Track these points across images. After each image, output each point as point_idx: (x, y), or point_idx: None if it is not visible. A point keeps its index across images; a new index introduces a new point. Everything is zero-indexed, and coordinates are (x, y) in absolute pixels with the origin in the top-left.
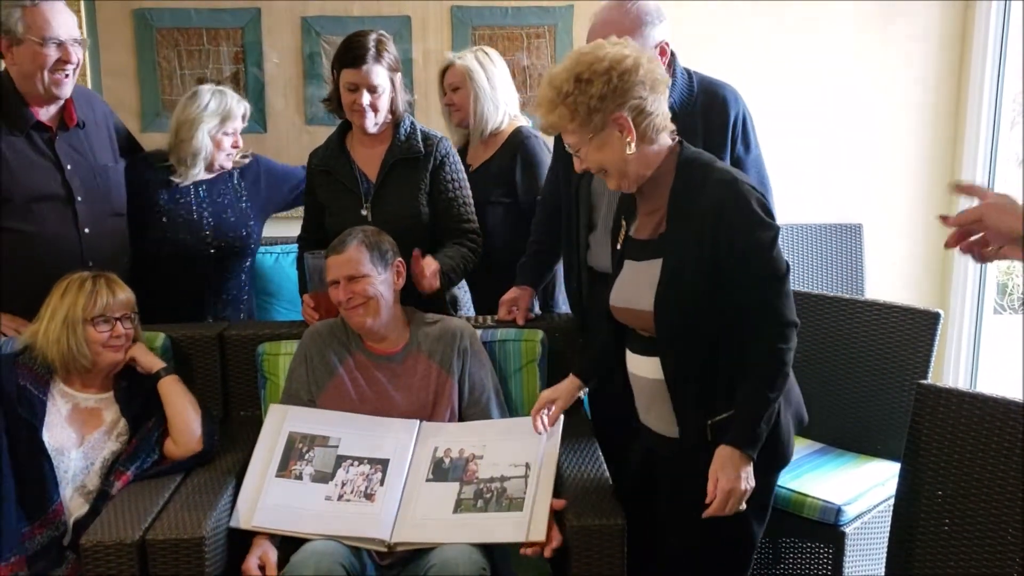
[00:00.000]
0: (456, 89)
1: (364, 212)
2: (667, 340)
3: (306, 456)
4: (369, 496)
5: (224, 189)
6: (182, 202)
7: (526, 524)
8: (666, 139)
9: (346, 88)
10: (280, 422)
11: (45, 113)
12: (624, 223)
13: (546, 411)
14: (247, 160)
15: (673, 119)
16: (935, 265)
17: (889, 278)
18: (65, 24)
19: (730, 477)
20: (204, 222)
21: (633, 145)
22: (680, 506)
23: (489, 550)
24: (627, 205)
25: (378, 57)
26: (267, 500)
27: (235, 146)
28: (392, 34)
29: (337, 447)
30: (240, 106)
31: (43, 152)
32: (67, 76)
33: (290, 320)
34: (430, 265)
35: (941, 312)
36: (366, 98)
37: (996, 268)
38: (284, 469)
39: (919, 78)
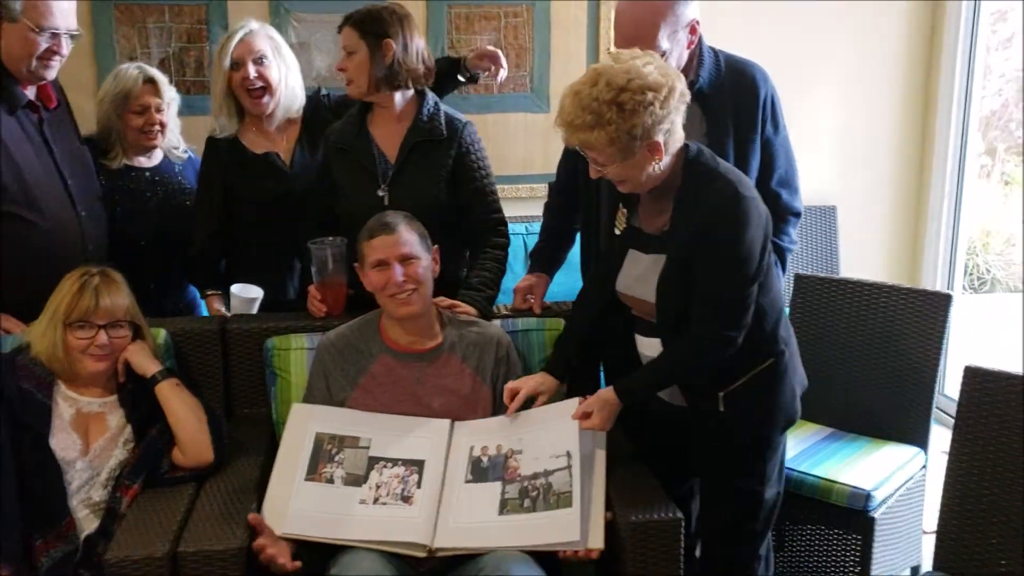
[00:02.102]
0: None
1: (381, 194)
2: (668, 327)
3: (336, 458)
4: (406, 499)
5: (170, 177)
6: (131, 190)
7: (580, 526)
8: (678, 145)
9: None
10: (305, 423)
11: (29, 92)
12: (624, 210)
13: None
14: (185, 155)
15: (703, 99)
16: (907, 246)
17: (863, 259)
18: (64, 14)
19: (603, 418)
20: (150, 208)
21: (660, 165)
22: (705, 468)
23: (541, 558)
24: (626, 194)
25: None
26: (297, 505)
27: (151, 124)
28: None
29: (368, 448)
30: (139, 83)
31: (31, 134)
32: (54, 63)
33: (294, 312)
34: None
35: (952, 294)
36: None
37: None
38: (314, 472)
39: (891, 65)
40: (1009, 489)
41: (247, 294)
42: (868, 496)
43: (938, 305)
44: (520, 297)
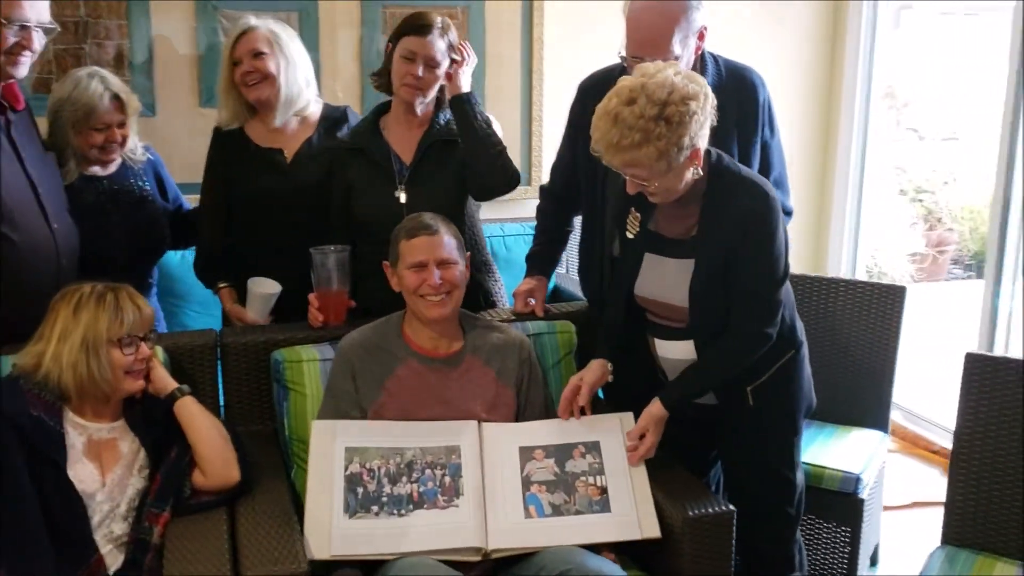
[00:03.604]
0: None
1: (398, 194)
2: (702, 329)
3: (371, 470)
4: (451, 504)
5: (130, 184)
6: (90, 205)
7: (635, 521)
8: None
9: (402, 57)
10: (331, 439)
11: None
12: (636, 214)
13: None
14: (145, 157)
15: None
16: (812, 236)
17: None
18: (35, 5)
19: (658, 433)
20: (111, 222)
21: (698, 170)
22: (739, 461)
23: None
24: (638, 196)
25: (443, 32)
26: (340, 524)
27: (111, 140)
28: (298, 12)
29: (401, 457)
30: (104, 101)
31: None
32: (24, 59)
33: (296, 323)
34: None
35: (906, 286)
36: (421, 70)
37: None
38: (351, 489)
39: (796, 61)
40: (1012, 467)
41: (264, 289)
42: (858, 479)
43: (894, 297)
44: (521, 301)
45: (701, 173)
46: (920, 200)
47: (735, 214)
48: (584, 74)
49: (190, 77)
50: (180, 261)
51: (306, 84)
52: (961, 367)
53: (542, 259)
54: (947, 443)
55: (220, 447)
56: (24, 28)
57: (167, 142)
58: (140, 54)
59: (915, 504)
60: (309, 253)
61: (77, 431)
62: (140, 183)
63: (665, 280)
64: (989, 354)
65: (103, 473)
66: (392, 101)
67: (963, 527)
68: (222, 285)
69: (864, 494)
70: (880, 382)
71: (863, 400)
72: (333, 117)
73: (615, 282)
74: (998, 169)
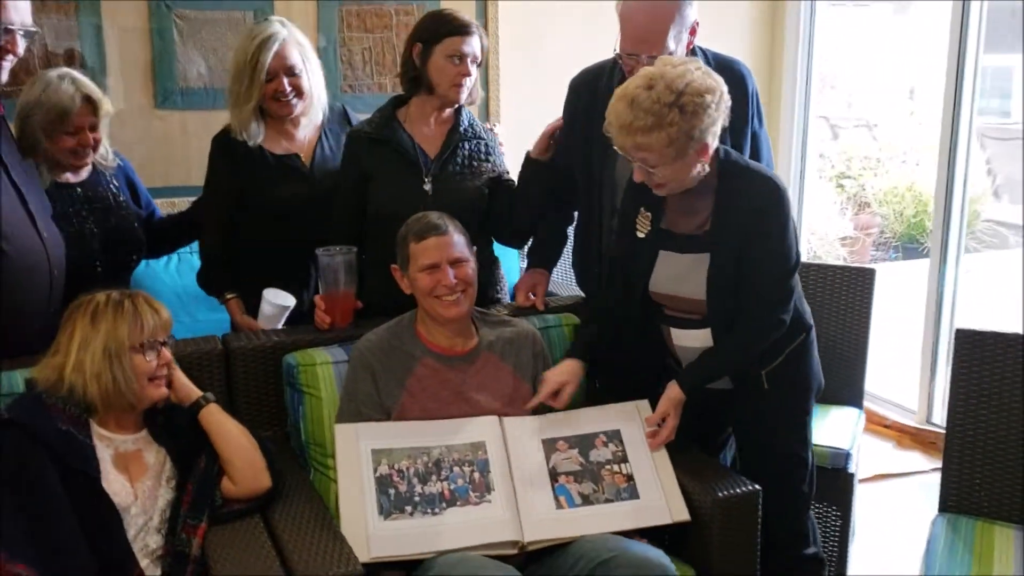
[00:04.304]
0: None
1: (426, 187)
2: (719, 319)
3: (400, 471)
4: (483, 499)
5: (103, 190)
6: (65, 214)
7: (664, 506)
8: (715, 146)
9: (450, 59)
10: (355, 442)
11: None
12: (647, 214)
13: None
14: (115, 163)
15: None
16: None
17: None
18: (18, 8)
19: (677, 416)
20: (86, 230)
21: (706, 166)
22: (755, 442)
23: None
24: (648, 196)
25: (479, 30)
26: (376, 526)
27: (84, 144)
28: (254, 11)
29: (428, 456)
30: (76, 103)
31: None
32: (5, 63)
33: (303, 326)
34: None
35: (875, 268)
36: (472, 69)
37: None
38: (382, 491)
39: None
40: (1004, 436)
41: (280, 301)
42: (848, 455)
43: (864, 279)
44: (523, 295)
45: (707, 169)
46: (842, 186)
47: (747, 207)
48: (540, 74)
49: (144, 78)
50: (144, 268)
51: (324, 91)
52: (952, 343)
53: (541, 253)
54: (898, 417)
55: (250, 454)
56: (8, 32)
57: (122, 146)
58: (91, 55)
59: (878, 476)
60: (316, 255)
61: (104, 443)
62: (113, 189)
63: (681, 275)
64: (979, 329)
65: (133, 485)
66: (414, 97)
67: (960, 495)
68: (230, 296)
69: (852, 468)
70: (854, 361)
71: (839, 379)
72: (336, 114)
73: (626, 280)
74: (940, 154)
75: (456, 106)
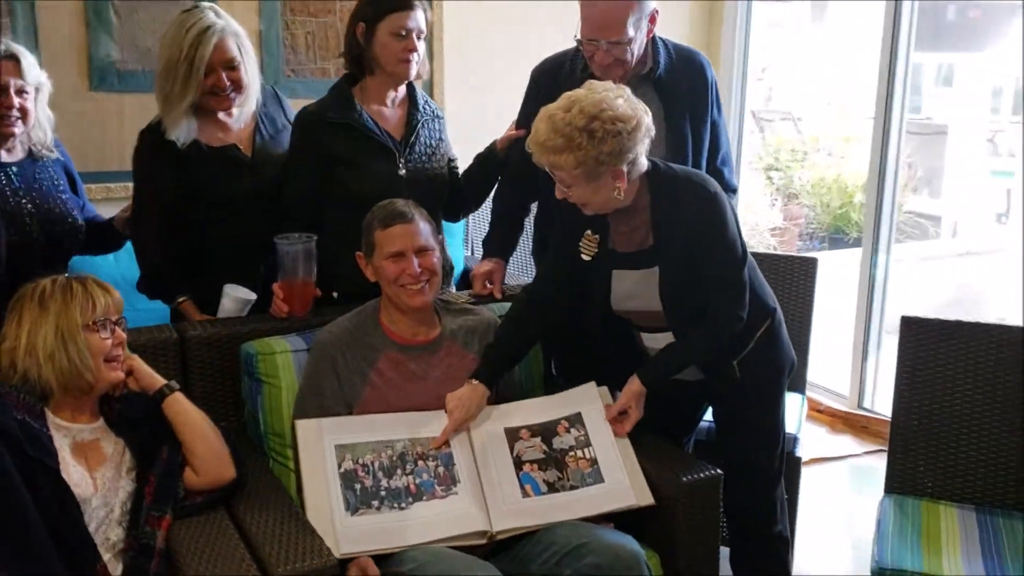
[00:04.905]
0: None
1: (401, 172)
2: (680, 325)
3: (364, 466)
4: (450, 492)
5: (41, 175)
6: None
7: (628, 489)
8: (640, 172)
9: (394, 35)
10: (317, 438)
11: None
12: (595, 236)
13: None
14: (54, 155)
15: (661, 84)
16: None
17: None
18: None
19: (640, 409)
20: (24, 211)
21: (622, 192)
22: (731, 417)
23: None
24: (592, 218)
25: (421, 3)
26: (344, 523)
27: (8, 107)
28: None
29: (392, 450)
30: None
31: None
32: None
33: (260, 315)
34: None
35: (817, 258)
36: (419, 44)
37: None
38: (348, 487)
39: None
40: (947, 419)
41: (241, 295)
42: (795, 439)
43: (807, 268)
44: (480, 283)
45: (622, 197)
46: (770, 178)
47: (684, 216)
48: (485, 70)
49: (79, 59)
50: (83, 258)
51: (258, 78)
52: (898, 330)
53: (498, 241)
54: (830, 402)
55: (214, 444)
56: None
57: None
58: (23, 33)
59: (813, 460)
60: (274, 243)
61: (61, 433)
62: (53, 177)
63: (637, 292)
64: (923, 316)
65: (92, 476)
66: (364, 78)
67: (904, 477)
68: (182, 299)
69: (799, 452)
70: (798, 348)
71: None
72: (268, 96)
73: (587, 301)
74: (872, 147)
75: (406, 83)
